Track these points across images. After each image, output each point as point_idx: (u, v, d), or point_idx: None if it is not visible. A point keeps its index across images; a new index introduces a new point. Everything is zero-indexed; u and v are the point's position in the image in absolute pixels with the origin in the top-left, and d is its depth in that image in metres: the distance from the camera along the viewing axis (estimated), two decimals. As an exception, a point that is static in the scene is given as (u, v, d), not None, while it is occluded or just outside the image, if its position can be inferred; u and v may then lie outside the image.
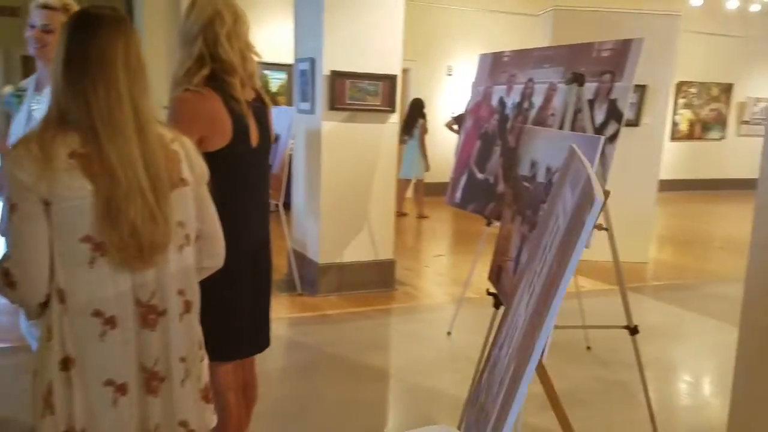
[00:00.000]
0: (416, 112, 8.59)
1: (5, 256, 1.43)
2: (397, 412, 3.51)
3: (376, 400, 3.52)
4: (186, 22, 2.05)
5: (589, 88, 3.10)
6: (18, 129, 2.46)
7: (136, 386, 1.47)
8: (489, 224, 3.98)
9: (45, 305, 1.43)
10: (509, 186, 2.96)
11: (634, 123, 6.25)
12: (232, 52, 2.03)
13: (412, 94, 9.45)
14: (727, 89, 12.73)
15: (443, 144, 9.56)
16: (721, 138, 12.93)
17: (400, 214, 8.12)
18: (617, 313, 3.15)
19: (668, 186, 9.93)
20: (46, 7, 2.43)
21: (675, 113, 12.22)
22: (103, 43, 1.40)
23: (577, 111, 2.98)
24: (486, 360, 1.78)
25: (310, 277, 5.04)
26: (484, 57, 4.32)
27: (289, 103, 7.35)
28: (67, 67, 1.41)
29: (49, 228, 1.37)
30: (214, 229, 1.65)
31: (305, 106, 5.03)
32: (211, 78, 2.01)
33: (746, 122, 13.03)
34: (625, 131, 3.08)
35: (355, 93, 4.83)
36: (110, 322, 1.42)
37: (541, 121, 3.45)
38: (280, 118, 4.20)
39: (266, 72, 8.95)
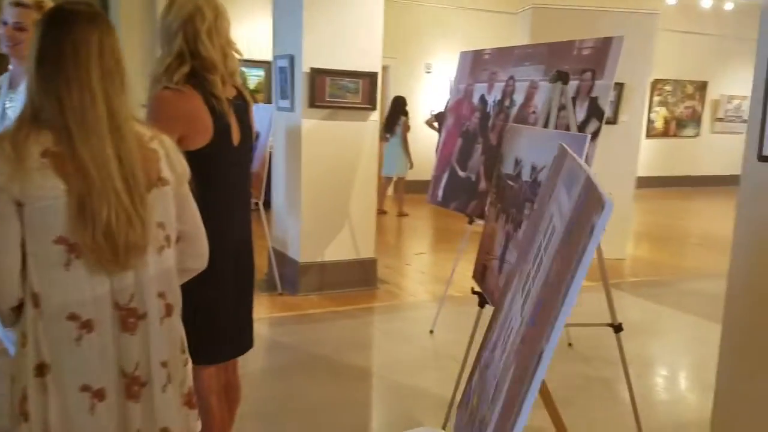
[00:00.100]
0: (398, 109, 8.58)
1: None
2: (381, 411, 3.49)
3: (359, 399, 3.50)
4: (166, 18, 2.01)
5: (571, 86, 3.11)
6: (-9, 127, 2.42)
7: (115, 392, 1.44)
8: (471, 222, 3.97)
9: (19, 311, 1.39)
10: (492, 184, 2.95)
11: (612, 121, 6.30)
12: (212, 49, 1.99)
13: (392, 92, 9.44)
14: (701, 87, 12.91)
15: (423, 141, 9.57)
16: (696, 135, 13.11)
17: (381, 211, 8.11)
18: (599, 310, 3.16)
19: (644, 183, 10.05)
20: (18, 4, 2.41)
21: (650, 111, 12.35)
22: (77, 39, 1.36)
23: (561, 109, 2.98)
24: (475, 361, 1.76)
25: (291, 277, 5.00)
26: (464, 55, 4.31)
27: (268, 101, 7.29)
28: (41, 65, 1.37)
29: (22, 229, 1.33)
30: (196, 229, 1.62)
31: (285, 103, 4.98)
32: (191, 75, 1.97)
33: (720, 119, 13.24)
34: (603, 129, 3.09)
35: (335, 90, 4.79)
36: (86, 325, 1.39)
37: (522, 119, 3.45)
38: (259, 115, 4.13)
39: (244, 69, 8.85)
